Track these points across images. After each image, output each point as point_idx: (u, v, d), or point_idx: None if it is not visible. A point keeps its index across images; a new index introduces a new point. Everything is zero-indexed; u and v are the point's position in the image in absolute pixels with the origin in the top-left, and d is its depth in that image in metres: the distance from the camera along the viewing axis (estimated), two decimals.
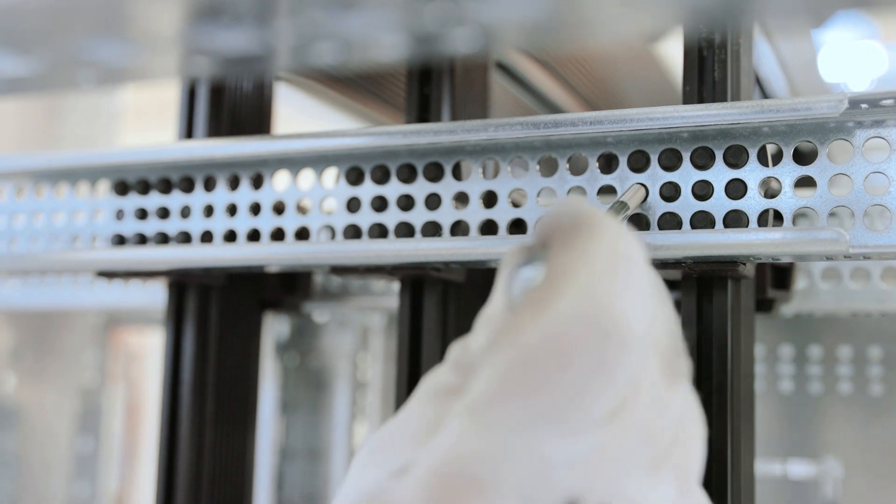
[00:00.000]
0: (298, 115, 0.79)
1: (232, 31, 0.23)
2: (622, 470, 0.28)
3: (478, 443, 0.28)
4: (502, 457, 0.27)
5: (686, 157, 0.44)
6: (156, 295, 0.75)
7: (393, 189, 0.49)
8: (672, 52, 0.71)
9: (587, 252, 0.30)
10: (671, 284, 0.56)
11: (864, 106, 0.40)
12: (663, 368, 0.31)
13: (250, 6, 0.22)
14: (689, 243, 0.43)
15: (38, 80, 0.28)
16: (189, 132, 0.59)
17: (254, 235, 0.52)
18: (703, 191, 0.44)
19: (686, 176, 0.44)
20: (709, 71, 0.47)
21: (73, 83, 0.28)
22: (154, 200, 0.55)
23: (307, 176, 0.52)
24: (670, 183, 0.44)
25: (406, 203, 0.49)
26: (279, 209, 0.52)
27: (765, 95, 0.67)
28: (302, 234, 0.52)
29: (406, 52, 0.24)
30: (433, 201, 0.49)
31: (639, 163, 0.45)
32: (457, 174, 0.48)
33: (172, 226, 0.54)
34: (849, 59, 1.03)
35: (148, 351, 1.16)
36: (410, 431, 0.30)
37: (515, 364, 0.28)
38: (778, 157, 0.43)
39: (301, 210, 0.52)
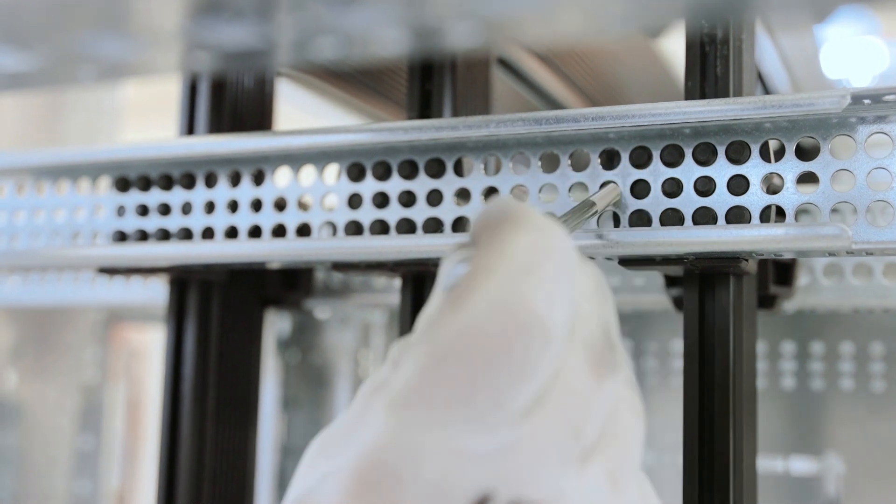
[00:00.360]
0: (299, 111, 0.79)
1: (233, 26, 0.23)
2: (539, 465, 0.28)
3: (394, 440, 0.28)
4: (417, 453, 0.27)
5: (688, 153, 0.44)
6: (157, 292, 0.75)
7: (394, 185, 0.49)
8: (674, 48, 0.71)
9: (507, 247, 0.30)
10: (674, 280, 0.56)
11: (866, 101, 0.40)
12: (592, 362, 0.31)
13: (251, 1, 0.22)
14: (691, 239, 0.43)
15: (39, 76, 0.28)
16: (190, 128, 0.59)
17: (255, 232, 0.52)
18: (705, 187, 0.44)
19: (688, 172, 0.44)
20: (711, 66, 0.46)
21: (74, 78, 0.28)
22: (155, 197, 0.55)
23: (308, 172, 0.52)
24: (672, 179, 0.44)
25: (407, 199, 0.49)
26: (280, 206, 0.52)
27: (767, 91, 0.67)
28: (303, 230, 0.51)
29: (407, 47, 0.24)
30: (435, 197, 0.48)
31: (640, 159, 0.45)
32: (458, 170, 0.48)
33: (174, 222, 0.54)
34: (851, 55, 1.03)
35: (149, 348, 1.16)
36: (344, 430, 0.30)
37: (430, 359, 0.28)
38: (780, 153, 0.43)
39: (302, 206, 0.52)
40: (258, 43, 0.24)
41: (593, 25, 0.24)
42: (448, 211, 0.48)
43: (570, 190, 0.46)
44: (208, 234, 0.53)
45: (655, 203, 0.44)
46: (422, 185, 0.49)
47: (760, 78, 0.64)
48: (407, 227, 0.49)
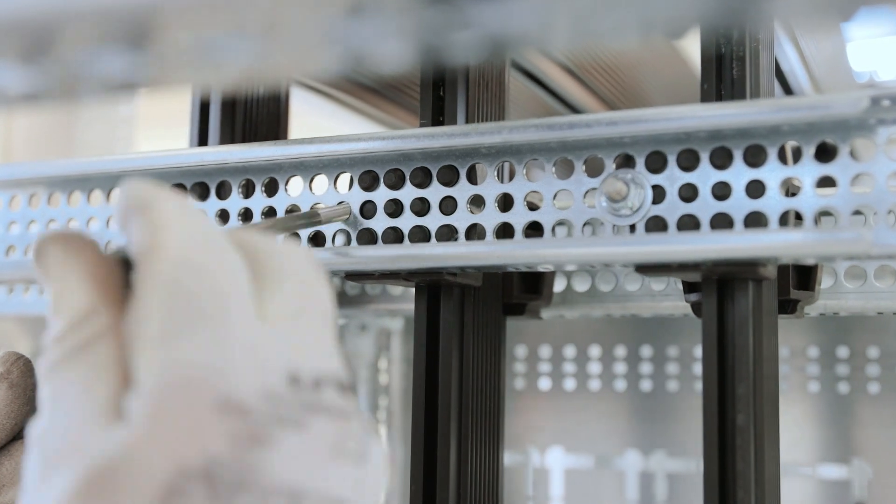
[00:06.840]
0: (313, 114, 0.79)
1: (237, 45, 0.23)
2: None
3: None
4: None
5: (704, 157, 0.43)
6: None
7: (407, 193, 0.49)
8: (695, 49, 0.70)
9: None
10: (692, 286, 0.55)
11: (885, 103, 0.40)
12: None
13: (258, 20, 0.22)
14: (708, 245, 0.42)
15: (43, 94, 0.28)
16: (202, 137, 0.59)
17: None
18: (721, 191, 0.43)
19: (704, 176, 0.43)
20: (727, 68, 0.46)
21: (78, 96, 0.27)
22: None
23: (321, 181, 0.51)
24: (688, 184, 0.43)
25: (421, 207, 0.48)
26: None
27: (787, 89, 0.66)
28: (316, 239, 0.51)
29: (411, 61, 0.24)
30: (448, 205, 0.48)
31: (656, 164, 0.44)
32: (472, 177, 0.48)
33: None
34: (879, 48, 1.01)
35: None
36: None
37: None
38: (798, 156, 0.42)
39: None
40: (264, 62, 0.24)
41: (590, 37, 0.23)
42: (462, 218, 0.48)
43: (584, 196, 0.46)
44: None
45: (672, 208, 0.44)
46: (435, 192, 0.48)
47: (781, 76, 0.63)
48: (420, 234, 0.48)
